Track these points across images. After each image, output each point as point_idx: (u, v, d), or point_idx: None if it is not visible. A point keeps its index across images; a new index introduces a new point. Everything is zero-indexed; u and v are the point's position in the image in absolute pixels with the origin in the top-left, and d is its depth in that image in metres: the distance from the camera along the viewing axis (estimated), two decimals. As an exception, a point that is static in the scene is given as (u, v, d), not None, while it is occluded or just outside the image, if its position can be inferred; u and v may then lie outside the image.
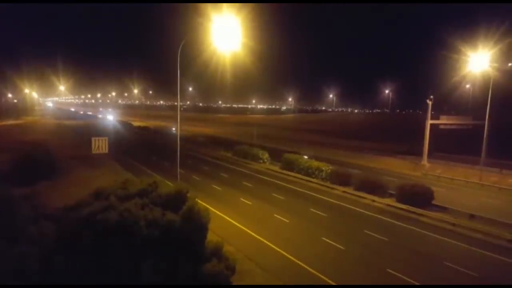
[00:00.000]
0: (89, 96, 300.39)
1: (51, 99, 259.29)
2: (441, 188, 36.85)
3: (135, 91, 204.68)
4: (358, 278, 19.03)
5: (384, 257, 21.59)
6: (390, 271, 19.64)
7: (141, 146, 65.28)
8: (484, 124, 45.78)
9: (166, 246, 14.86)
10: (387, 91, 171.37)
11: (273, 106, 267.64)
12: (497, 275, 19.69)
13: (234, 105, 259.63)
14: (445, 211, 29.19)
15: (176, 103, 24.72)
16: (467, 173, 45.20)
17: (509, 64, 58.71)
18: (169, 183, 21.27)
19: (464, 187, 40.00)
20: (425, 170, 47.73)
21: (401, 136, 79.14)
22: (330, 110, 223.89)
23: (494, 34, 51.50)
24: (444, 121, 53.20)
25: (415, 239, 24.66)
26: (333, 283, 18.39)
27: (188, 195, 17.19)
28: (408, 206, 30.05)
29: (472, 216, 27.88)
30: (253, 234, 24.88)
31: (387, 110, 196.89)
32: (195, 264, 15.36)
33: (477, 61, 44.42)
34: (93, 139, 29.63)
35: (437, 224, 27.11)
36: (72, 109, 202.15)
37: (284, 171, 45.31)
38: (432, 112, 51.07)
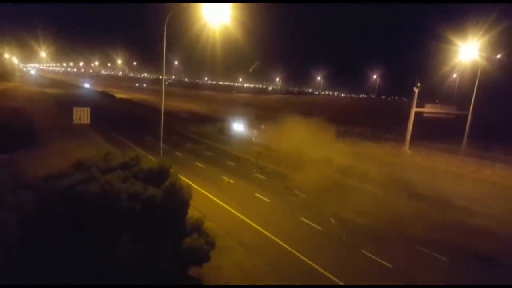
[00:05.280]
0: (71, 64, 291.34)
1: (32, 65, 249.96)
2: (420, 175, 37.67)
3: (119, 61, 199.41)
4: (334, 256, 19.69)
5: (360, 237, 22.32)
6: (364, 251, 20.42)
7: (124, 119, 64.17)
8: (467, 114, 46.82)
9: (147, 220, 14.88)
10: (374, 76, 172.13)
11: (260, 86, 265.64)
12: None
13: (220, 83, 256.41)
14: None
15: (160, 77, 24.36)
16: (447, 161, 46.36)
17: (498, 56, 59.31)
18: (151, 158, 21.14)
19: (443, 175, 41.04)
20: (406, 157, 48.76)
21: (384, 122, 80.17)
22: (317, 93, 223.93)
23: (484, 24, 51.85)
24: (428, 109, 54.08)
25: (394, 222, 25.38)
26: (309, 261, 19.01)
27: (171, 170, 17.12)
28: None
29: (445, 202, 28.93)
30: (234, 212, 25.22)
31: (373, 96, 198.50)
32: (176, 238, 15.50)
33: (466, 51, 44.87)
34: (74, 109, 28.96)
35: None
36: (87, 85, 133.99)
37: (270, 152, 45.49)
38: (418, 100, 51.81)
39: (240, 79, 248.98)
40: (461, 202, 29.20)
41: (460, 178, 39.85)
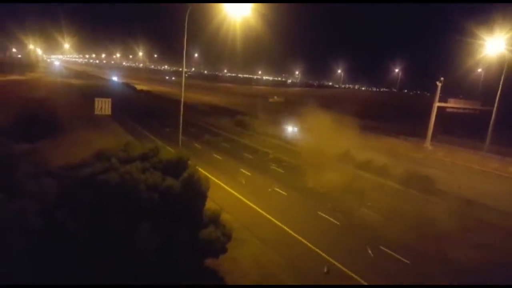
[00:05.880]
0: (93, 55, 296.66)
1: (55, 56, 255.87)
2: (441, 172, 36.77)
3: (140, 53, 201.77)
4: (351, 251, 19.45)
5: (378, 233, 21.91)
6: (382, 248, 20.03)
7: (144, 111, 64.94)
8: (492, 110, 45.15)
9: (165, 211, 15.00)
10: (396, 70, 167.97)
11: (279, 78, 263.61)
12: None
13: (240, 75, 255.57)
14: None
15: (180, 69, 24.50)
16: (469, 158, 45.07)
17: None
18: (170, 149, 21.27)
19: (464, 172, 39.91)
20: (427, 152, 47.58)
21: (406, 117, 78.43)
22: (337, 86, 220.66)
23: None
24: (451, 104, 52.60)
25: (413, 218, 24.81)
26: (326, 256, 18.81)
27: (189, 162, 17.18)
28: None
29: (469, 202, 28.06)
30: (251, 204, 25.21)
31: (395, 90, 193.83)
32: (193, 229, 15.57)
33: (493, 45, 43.17)
34: (96, 100, 29.42)
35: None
36: (114, 78, 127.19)
37: (288, 145, 45.22)
38: (440, 95, 50.40)
39: (260, 72, 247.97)
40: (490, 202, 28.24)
41: (484, 175, 38.71)
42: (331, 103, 64.99)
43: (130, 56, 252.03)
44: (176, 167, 16.73)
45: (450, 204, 27.24)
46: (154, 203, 14.71)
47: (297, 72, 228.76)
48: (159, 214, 14.68)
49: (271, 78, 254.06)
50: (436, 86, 49.51)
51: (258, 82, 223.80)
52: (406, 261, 19.04)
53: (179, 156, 16.89)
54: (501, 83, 42.99)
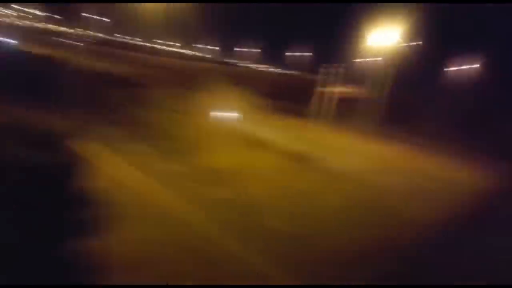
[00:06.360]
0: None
1: None
2: (323, 150, 40.40)
3: (38, 13, 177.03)
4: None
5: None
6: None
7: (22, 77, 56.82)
8: (376, 96, 51.56)
9: (33, 193, 14.33)
10: (300, 54, 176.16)
11: (195, 53, 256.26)
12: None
13: (154, 45, 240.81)
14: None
15: (83, 32, 22.31)
16: (352, 137, 50.78)
17: (414, 43, 64.07)
18: (46, 121, 19.90)
19: (344, 150, 44.20)
20: (316, 132, 52.51)
21: (306, 99, 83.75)
22: (247, 65, 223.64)
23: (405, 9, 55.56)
24: (331, 89, 59.06)
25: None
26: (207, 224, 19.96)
27: (64, 135, 16.49)
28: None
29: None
30: (139, 182, 24.88)
31: (297, 72, 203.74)
32: (68, 211, 15.20)
33: (386, 35, 48.59)
34: None
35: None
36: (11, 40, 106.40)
37: (190, 120, 45.08)
38: (331, 80, 55.59)
39: (172, 43, 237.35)
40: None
41: (362, 153, 44.01)
42: (240, 81, 66.38)
43: (30, 17, 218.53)
44: (50, 142, 15.97)
45: (328, 178, 31.09)
46: (20, 184, 13.92)
47: (211, 47, 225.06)
48: (23, 198, 13.95)
49: (186, 51, 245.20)
50: (323, 72, 54.71)
51: (170, 54, 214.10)
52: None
53: (49, 130, 16.07)
54: (384, 71, 48.90)
